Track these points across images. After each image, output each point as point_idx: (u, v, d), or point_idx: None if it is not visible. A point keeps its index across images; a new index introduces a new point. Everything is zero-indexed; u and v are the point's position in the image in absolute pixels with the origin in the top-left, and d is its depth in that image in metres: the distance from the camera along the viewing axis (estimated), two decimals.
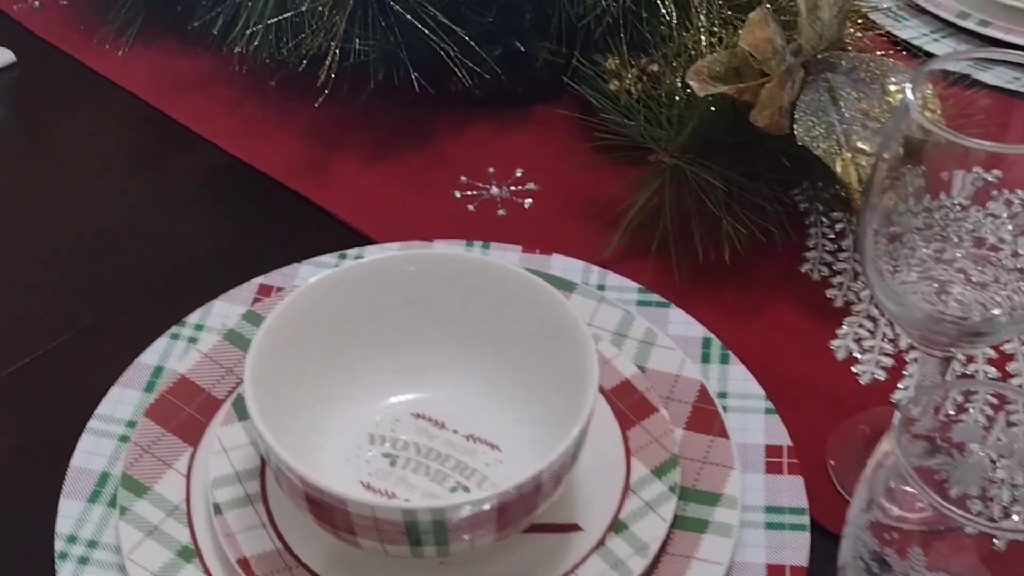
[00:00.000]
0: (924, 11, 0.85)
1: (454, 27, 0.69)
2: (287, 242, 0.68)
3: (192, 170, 0.73)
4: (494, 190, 0.71)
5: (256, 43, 0.72)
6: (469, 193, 0.70)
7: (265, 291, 0.61)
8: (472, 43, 0.70)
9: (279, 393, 0.48)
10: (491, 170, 0.72)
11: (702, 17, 0.64)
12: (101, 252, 0.67)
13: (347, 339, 0.52)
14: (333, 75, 0.67)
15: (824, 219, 0.68)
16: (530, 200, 0.70)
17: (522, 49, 0.72)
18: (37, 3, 0.85)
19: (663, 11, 0.65)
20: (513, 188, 0.71)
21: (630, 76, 0.70)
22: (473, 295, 0.52)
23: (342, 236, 0.67)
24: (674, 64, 0.66)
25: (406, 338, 0.53)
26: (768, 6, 0.58)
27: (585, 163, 0.72)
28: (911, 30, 0.83)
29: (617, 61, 0.71)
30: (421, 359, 0.53)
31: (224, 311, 0.60)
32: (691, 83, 0.58)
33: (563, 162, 0.73)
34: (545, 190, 0.71)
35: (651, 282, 0.63)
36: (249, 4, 0.71)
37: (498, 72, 0.72)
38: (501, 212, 0.69)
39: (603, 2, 0.67)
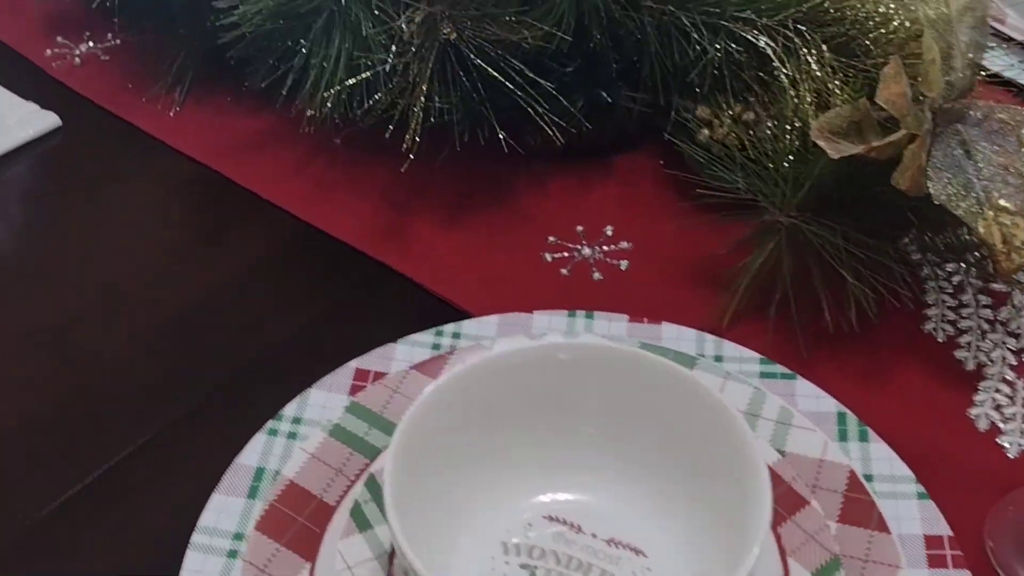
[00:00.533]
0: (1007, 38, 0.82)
1: (538, 79, 0.65)
2: (372, 316, 0.64)
3: (261, 239, 0.69)
4: (586, 251, 0.67)
5: (328, 105, 0.68)
6: (560, 255, 0.66)
7: (362, 376, 0.57)
8: (557, 95, 0.66)
9: (412, 504, 0.44)
10: (579, 228, 0.68)
11: (812, 64, 0.60)
12: (175, 340, 0.63)
13: (483, 437, 0.48)
14: (417, 137, 0.63)
15: (939, 271, 0.65)
16: (625, 261, 0.66)
17: (608, 100, 0.68)
18: (78, 59, 0.81)
19: (772, 59, 0.61)
20: (605, 248, 0.67)
21: (724, 125, 0.66)
22: (621, 388, 0.49)
23: (430, 307, 0.63)
24: (778, 115, 0.62)
25: (541, 434, 0.49)
26: (898, 56, 0.54)
27: (678, 218, 0.68)
28: (998, 60, 0.80)
29: (708, 110, 0.67)
30: (555, 455, 0.49)
31: (322, 400, 0.56)
32: (819, 143, 0.54)
33: (654, 218, 0.69)
34: (639, 249, 0.67)
35: (769, 350, 0.59)
36: (323, 64, 0.67)
37: (582, 124, 0.68)
38: (597, 276, 0.65)
39: (702, 48, 0.64)
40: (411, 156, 0.63)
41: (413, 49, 0.65)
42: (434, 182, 0.71)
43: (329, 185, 0.71)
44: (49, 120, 0.76)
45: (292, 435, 0.54)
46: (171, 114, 0.77)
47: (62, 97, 0.79)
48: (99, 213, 0.71)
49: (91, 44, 0.82)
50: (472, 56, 0.64)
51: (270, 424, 0.54)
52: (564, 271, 0.65)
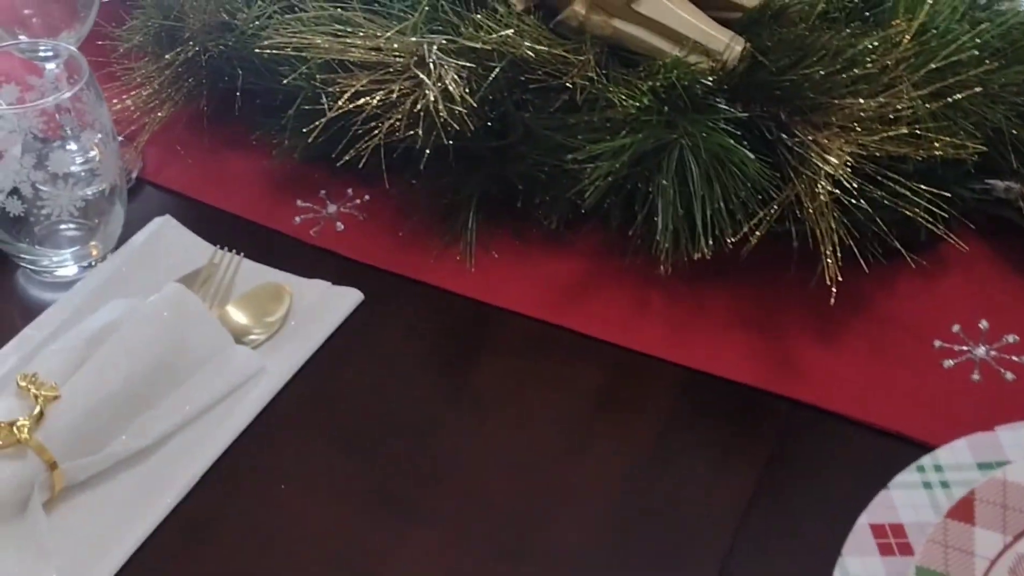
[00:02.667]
0: None
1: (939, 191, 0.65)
2: (808, 460, 0.62)
3: (621, 386, 0.66)
4: (979, 351, 0.66)
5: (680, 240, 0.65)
6: (959, 360, 0.66)
7: (880, 532, 0.55)
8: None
9: None
10: (956, 328, 0.67)
11: None
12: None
13: None
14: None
15: None
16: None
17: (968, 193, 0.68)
18: (340, 224, 0.76)
19: None
20: (995, 345, 0.66)
21: None
22: None
23: (853, 434, 0.62)
24: None
25: None
26: None
27: None
28: None
29: None
30: None
31: (860, 568, 0.54)
32: None
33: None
34: None
35: None
36: (675, 202, 0.65)
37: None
38: (1010, 376, 0.65)
39: None
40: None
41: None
42: (797, 300, 0.70)
43: (678, 319, 0.69)
44: (354, 297, 0.71)
45: None
46: (470, 268, 0.73)
47: (337, 265, 0.74)
48: (431, 389, 0.67)
49: (337, 206, 0.77)
50: (861, 184, 0.63)
51: None
52: (975, 377, 0.65)
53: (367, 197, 0.78)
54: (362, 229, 0.76)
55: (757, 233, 0.64)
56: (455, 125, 0.66)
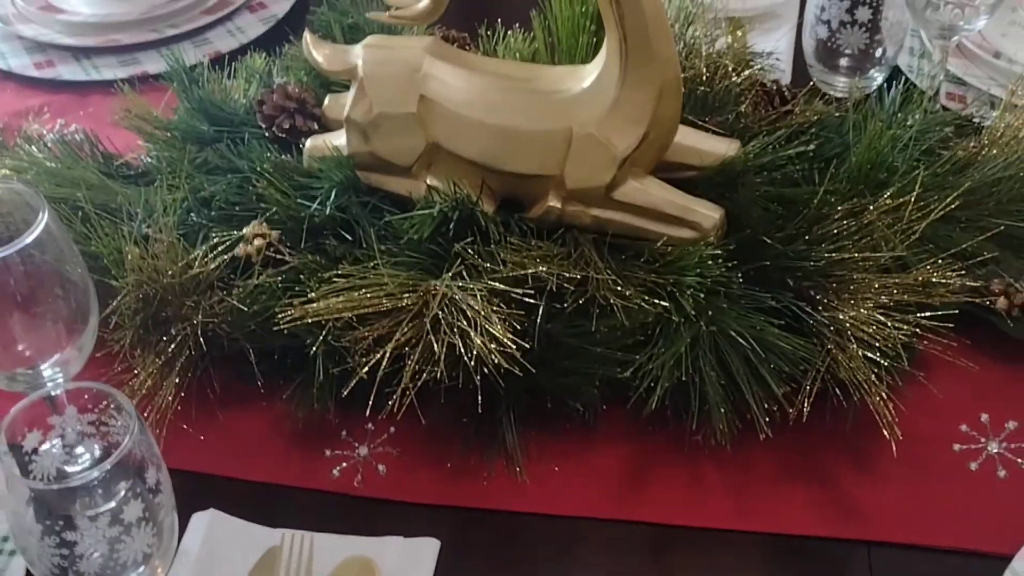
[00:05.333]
0: None
1: None
2: None
3: (713, 567, 0.71)
4: (992, 445, 0.75)
5: None
6: (977, 462, 0.74)
7: None
8: None
9: None
10: (963, 428, 0.76)
11: None
12: None
13: None
14: None
15: None
16: None
17: None
18: (382, 468, 0.75)
19: None
20: (1002, 436, 0.76)
21: None
22: None
23: (930, 561, 0.69)
24: None
25: None
26: None
27: None
28: None
29: None
30: None
31: None
32: None
33: None
34: None
35: None
36: None
37: None
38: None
39: None
40: None
41: None
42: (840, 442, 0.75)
43: (752, 489, 0.74)
44: (432, 547, 0.71)
45: None
46: (523, 481, 0.75)
47: (395, 512, 0.74)
48: None
49: (367, 446, 0.77)
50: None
51: None
52: (1000, 473, 0.74)
53: (392, 430, 0.78)
54: (403, 466, 0.77)
55: (807, 403, 0.70)
56: (506, 365, 0.68)
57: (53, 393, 0.67)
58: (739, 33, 0.99)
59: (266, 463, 0.77)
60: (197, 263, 0.74)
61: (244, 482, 0.76)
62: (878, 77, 1.01)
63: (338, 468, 0.76)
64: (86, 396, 0.67)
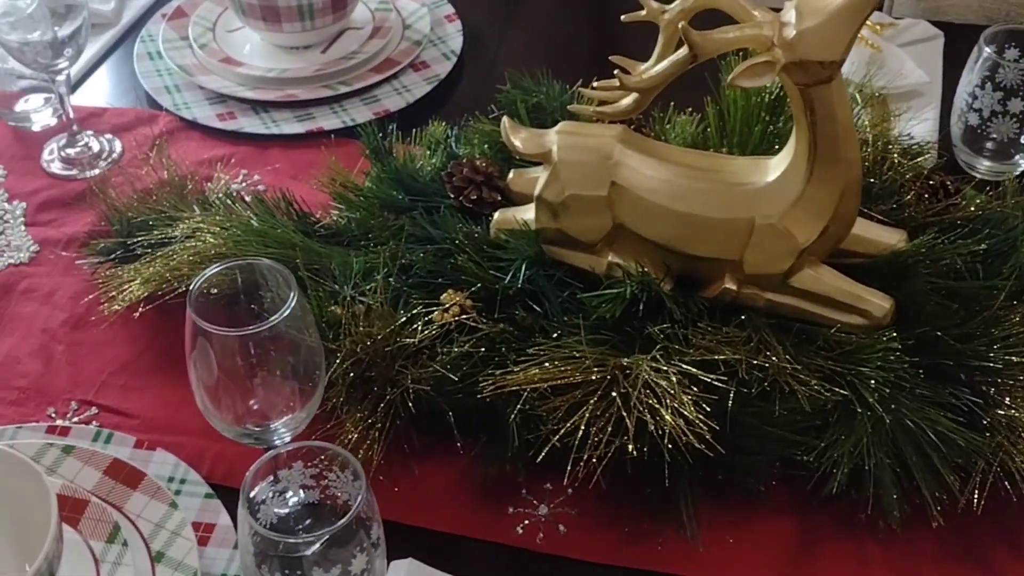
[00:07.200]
0: None
1: None
2: None
3: None
4: None
5: None
6: None
7: None
8: None
9: None
10: None
11: None
12: None
13: None
14: None
15: None
16: None
17: None
18: (562, 527, 0.81)
19: None
20: None
21: None
22: None
23: None
24: None
25: None
26: None
27: None
28: None
29: None
30: None
31: None
32: None
33: None
34: None
35: None
36: None
37: None
38: None
39: None
40: None
41: None
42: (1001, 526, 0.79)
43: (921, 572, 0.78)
44: None
45: None
46: (699, 548, 0.80)
47: (570, 570, 0.79)
48: None
49: (547, 506, 0.82)
50: None
51: None
52: None
53: (569, 491, 0.84)
54: (581, 527, 0.82)
55: (977, 494, 0.75)
56: (697, 444, 0.74)
57: (284, 450, 0.73)
58: (893, 117, 1.03)
59: (455, 516, 0.83)
60: (407, 331, 0.81)
61: (433, 532, 0.83)
62: (1022, 163, 1.06)
63: (521, 525, 0.82)
64: (305, 451, 0.74)
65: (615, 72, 0.78)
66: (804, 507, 0.81)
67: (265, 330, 0.69)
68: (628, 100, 0.79)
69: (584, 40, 1.36)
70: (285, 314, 0.68)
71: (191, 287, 0.72)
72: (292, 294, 0.69)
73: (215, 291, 0.72)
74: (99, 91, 1.28)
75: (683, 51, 0.74)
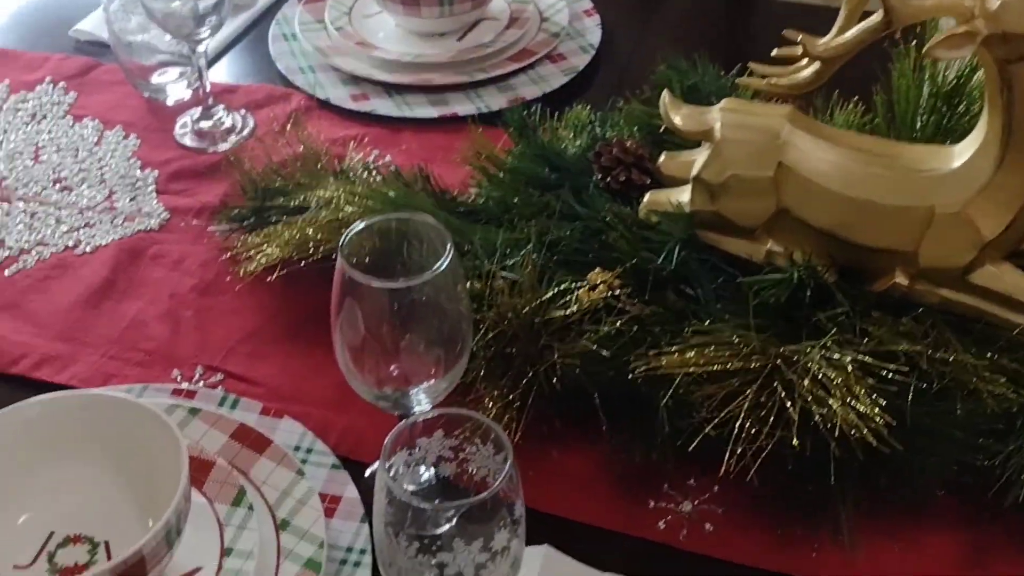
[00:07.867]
0: None
1: None
2: None
3: None
4: None
5: None
6: None
7: None
8: None
9: None
10: None
11: None
12: None
13: None
14: None
15: None
16: None
17: None
18: (709, 526, 0.75)
19: None
20: None
21: None
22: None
23: None
24: None
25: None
26: None
27: None
28: None
29: None
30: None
31: None
32: None
33: None
34: None
35: None
36: None
37: None
38: None
39: None
40: None
41: None
42: None
43: None
44: None
45: None
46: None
47: (715, 570, 0.74)
48: None
49: (691, 502, 0.77)
50: None
51: None
52: None
53: (716, 488, 0.79)
54: (729, 526, 0.77)
55: None
56: (873, 441, 0.68)
57: (422, 417, 0.70)
58: None
59: (593, 506, 0.78)
60: (554, 306, 0.77)
61: (568, 521, 0.78)
62: None
63: (664, 520, 0.77)
64: (446, 420, 0.70)
65: (799, 39, 0.74)
66: (976, 519, 0.75)
67: (417, 286, 0.65)
68: (807, 71, 0.74)
69: (722, 44, 1.31)
70: (441, 268, 0.64)
71: (341, 240, 0.68)
72: (448, 246, 0.66)
73: (366, 245, 0.69)
74: (232, 71, 1.27)
75: (876, 16, 0.69)
